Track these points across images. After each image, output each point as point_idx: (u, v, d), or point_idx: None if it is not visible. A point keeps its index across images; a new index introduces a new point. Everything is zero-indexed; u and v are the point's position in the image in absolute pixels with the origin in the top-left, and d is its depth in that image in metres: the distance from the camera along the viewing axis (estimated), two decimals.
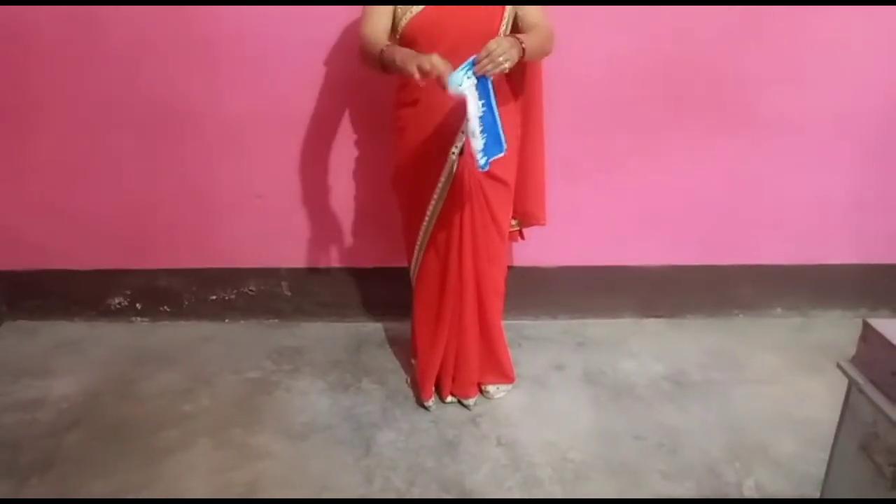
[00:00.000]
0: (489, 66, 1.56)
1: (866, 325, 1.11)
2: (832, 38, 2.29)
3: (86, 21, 2.26)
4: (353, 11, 2.15)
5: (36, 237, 2.61)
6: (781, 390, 2.23)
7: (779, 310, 2.70)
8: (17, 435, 2.06)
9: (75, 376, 2.35)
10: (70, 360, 2.46)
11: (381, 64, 1.72)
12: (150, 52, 2.31)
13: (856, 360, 1.15)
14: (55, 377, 2.35)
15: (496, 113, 1.66)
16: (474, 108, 1.59)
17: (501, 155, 1.70)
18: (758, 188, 2.51)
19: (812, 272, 2.64)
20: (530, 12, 1.83)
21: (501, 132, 1.68)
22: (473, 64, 1.57)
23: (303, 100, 2.36)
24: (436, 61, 1.55)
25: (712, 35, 2.28)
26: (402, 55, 1.63)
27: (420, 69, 1.54)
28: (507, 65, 1.58)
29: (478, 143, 1.61)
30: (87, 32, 2.28)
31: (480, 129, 1.61)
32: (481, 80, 1.60)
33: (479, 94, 1.61)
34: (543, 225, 2.20)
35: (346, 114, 2.39)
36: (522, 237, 2.27)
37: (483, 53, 1.56)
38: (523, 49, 1.66)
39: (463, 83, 1.56)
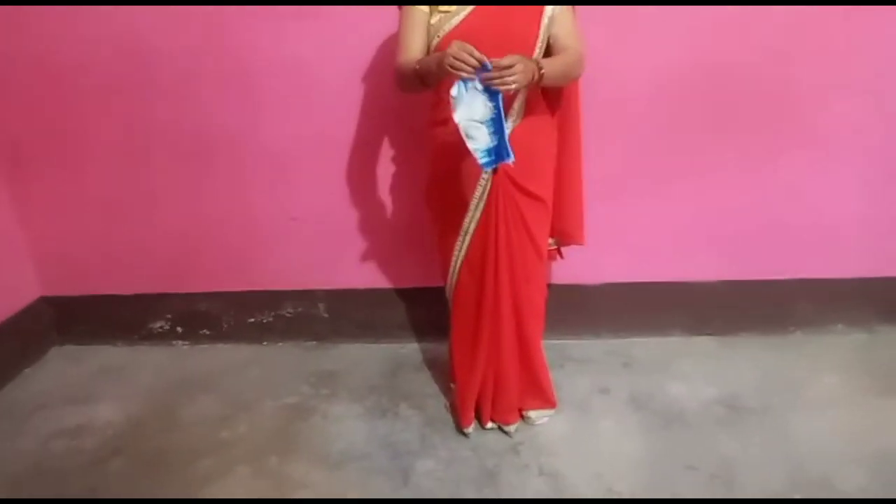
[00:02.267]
0: (496, 81, 1.52)
1: None
2: (890, 41, 2.15)
3: (135, 56, 2.32)
4: (386, 36, 2.15)
5: (82, 263, 2.67)
6: (847, 416, 2.07)
7: (840, 326, 2.53)
8: (64, 462, 2.09)
9: (119, 402, 2.37)
10: (114, 385, 2.49)
11: (420, 77, 1.69)
12: (192, 83, 2.34)
13: None
14: (100, 403, 2.38)
15: (503, 121, 1.58)
16: (465, 112, 1.56)
17: (509, 161, 1.60)
18: (815, 201, 2.37)
19: (877, 285, 2.47)
20: (563, 33, 1.76)
21: (507, 141, 1.60)
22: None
23: (338, 123, 2.34)
24: (465, 48, 1.51)
25: (761, 44, 2.16)
26: (436, 61, 1.59)
27: (456, 64, 1.52)
28: (513, 86, 1.53)
29: (474, 143, 1.58)
30: (137, 67, 2.34)
31: (489, 131, 1.58)
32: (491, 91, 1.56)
33: (489, 97, 1.56)
34: (582, 244, 2.11)
35: (381, 135, 2.36)
36: (561, 256, 2.18)
37: (493, 70, 1.52)
38: (541, 75, 1.61)
39: (458, 91, 1.54)
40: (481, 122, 1.58)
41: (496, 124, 1.57)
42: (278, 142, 2.39)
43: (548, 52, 1.77)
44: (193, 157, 2.45)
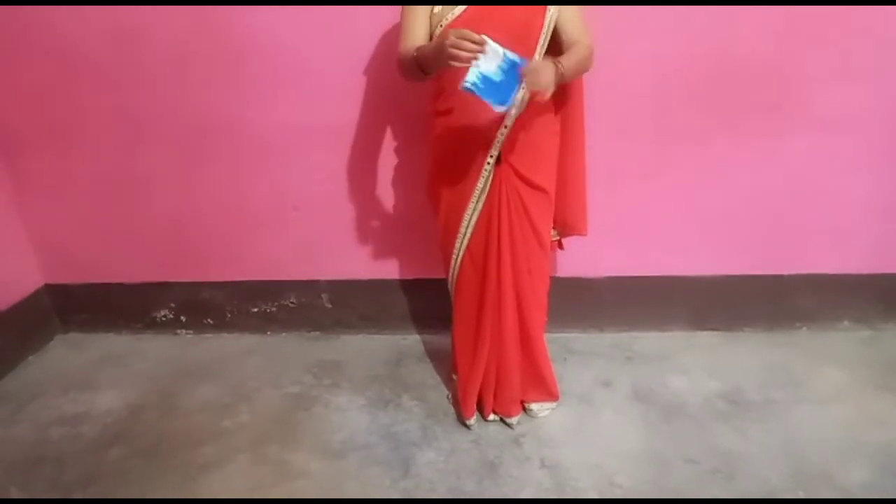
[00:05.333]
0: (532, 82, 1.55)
1: None
2: (892, 25, 2.12)
3: (128, 40, 2.29)
4: (387, 24, 2.14)
5: (85, 252, 2.67)
6: (849, 411, 2.07)
7: (845, 322, 2.52)
8: (63, 449, 2.09)
9: (120, 390, 2.37)
10: (116, 373, 2.50)
11: (419, 65, 1.68)
12: (188, 68, 2.32)
13: None
14: (101, 391, 2.38)
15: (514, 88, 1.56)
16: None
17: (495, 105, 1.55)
18: (819, 192, 2.35)
19: (881, 281, 2.46)
20: (571, 25, 1.75)
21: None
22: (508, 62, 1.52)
23: (339, 112, 2.33)
24: (461, 34, 1.48)
25: (763, 31, 2.14)
26: (433, 48, 1.58)
27: (456, 54, 1.48)
28: (547, 94, 1.56)
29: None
30: (128, 52, 2.31)
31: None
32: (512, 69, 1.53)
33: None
34: (584, 235, 2.10)
35: (383, 125, 2.35)
36: (561, 247, 2.17)
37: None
38: (561, 75, 1.63)
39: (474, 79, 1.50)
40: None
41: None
42: (279, 129, 2.37)
43: (552, 45, 1.76)
44: (191, 144, 2.44)
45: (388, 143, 2.37)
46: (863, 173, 2.32)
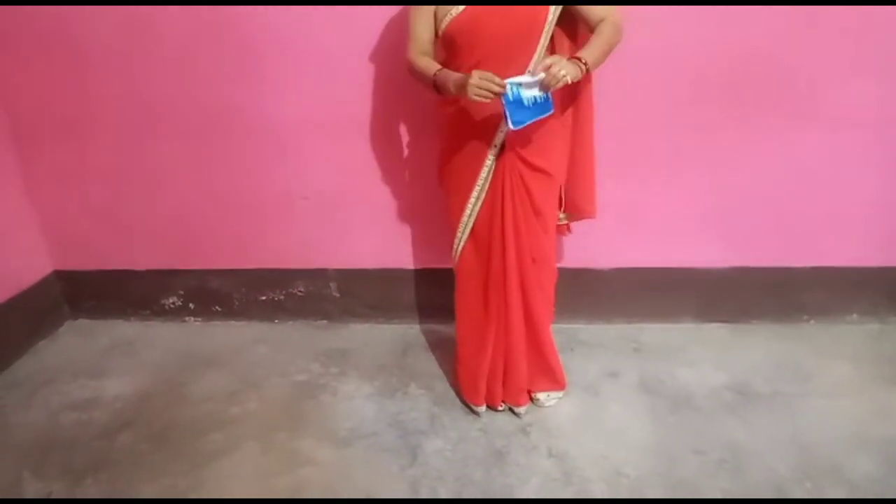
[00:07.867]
0: (552, 83, 1.58)
1: None
2: None
3: (139, 30, 2.30)
4: (397, 16, 2.14)
5: (95, 239, 2.68)
6: (857, 404, 2.07)
7: (854, 315, 2.52)
8: (74, 434, 2.11)
9: (129, 376, 2.39)
10: (125, 359, 2.51)
11: (436, 87, 1.73)
12: (199, 59, 2.32)
13: None
14: (110, 377, 2.40)
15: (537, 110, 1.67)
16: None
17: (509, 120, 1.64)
18: (828, 185, 2.34)
19: (890, 274, 2.45)
20: (595, 6, 1.75)
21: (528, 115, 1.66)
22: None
23: (347, 102, 2.32)
24: (486, 77, 1.57)
25: (775, 26, 2.12)
26: (453, 82, 1.65)
27: (480, 94, 1.57)
28: (568, 78, 1.59)
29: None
30: (140, 41, 2.32)
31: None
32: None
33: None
34: (593, 218, 2.10)
35: (392, 116, 2.34)
36: (569, 230, 2.17)
37: (545, 76, 1.58)
38: (586, 66, 1.65)
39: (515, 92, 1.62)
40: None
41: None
42: (288, 119, 2.37)
43: (568, 30, 1.74)
44: (201, 133, 2.44)
45: (397, 134, 2.37)
46: (873, 166, 2.31)
